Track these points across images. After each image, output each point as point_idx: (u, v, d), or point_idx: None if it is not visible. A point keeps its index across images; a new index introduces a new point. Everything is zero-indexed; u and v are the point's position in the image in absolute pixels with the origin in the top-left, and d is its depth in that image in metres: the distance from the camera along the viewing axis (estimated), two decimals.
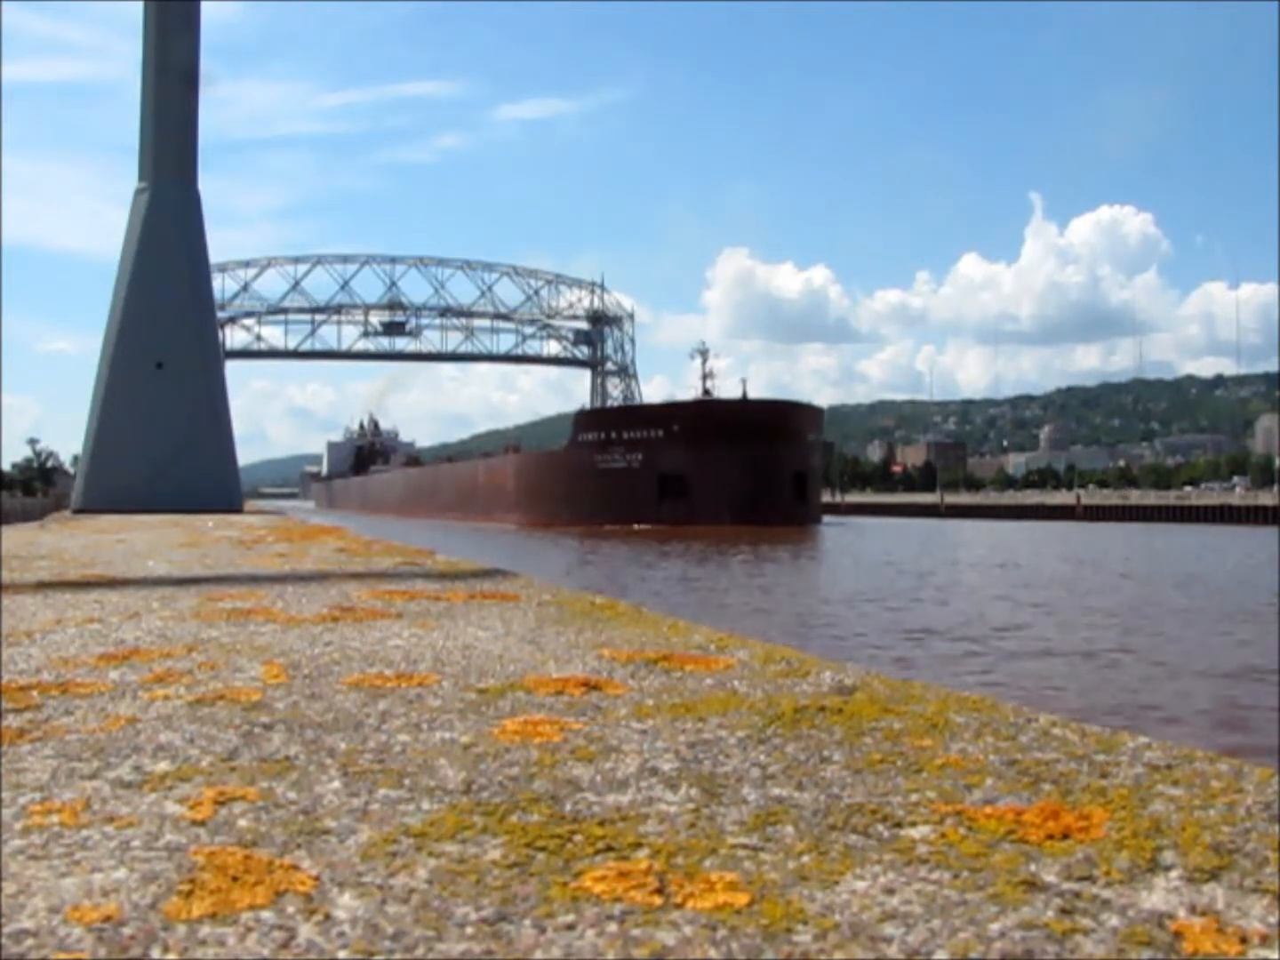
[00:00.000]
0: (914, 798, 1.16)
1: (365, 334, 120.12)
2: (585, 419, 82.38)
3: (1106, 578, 29.82)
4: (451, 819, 1.08)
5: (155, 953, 0.78)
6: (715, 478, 67.96)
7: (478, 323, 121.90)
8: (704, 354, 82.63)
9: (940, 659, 14.80)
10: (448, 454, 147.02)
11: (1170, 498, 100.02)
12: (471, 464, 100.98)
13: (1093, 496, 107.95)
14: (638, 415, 78.16)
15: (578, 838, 1.02)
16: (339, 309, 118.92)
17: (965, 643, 16.44)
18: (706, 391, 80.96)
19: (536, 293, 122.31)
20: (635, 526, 62.60)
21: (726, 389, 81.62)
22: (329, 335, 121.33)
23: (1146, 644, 16.63)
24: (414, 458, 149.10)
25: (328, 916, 0.84)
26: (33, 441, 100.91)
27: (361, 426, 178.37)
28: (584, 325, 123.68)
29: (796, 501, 71.62)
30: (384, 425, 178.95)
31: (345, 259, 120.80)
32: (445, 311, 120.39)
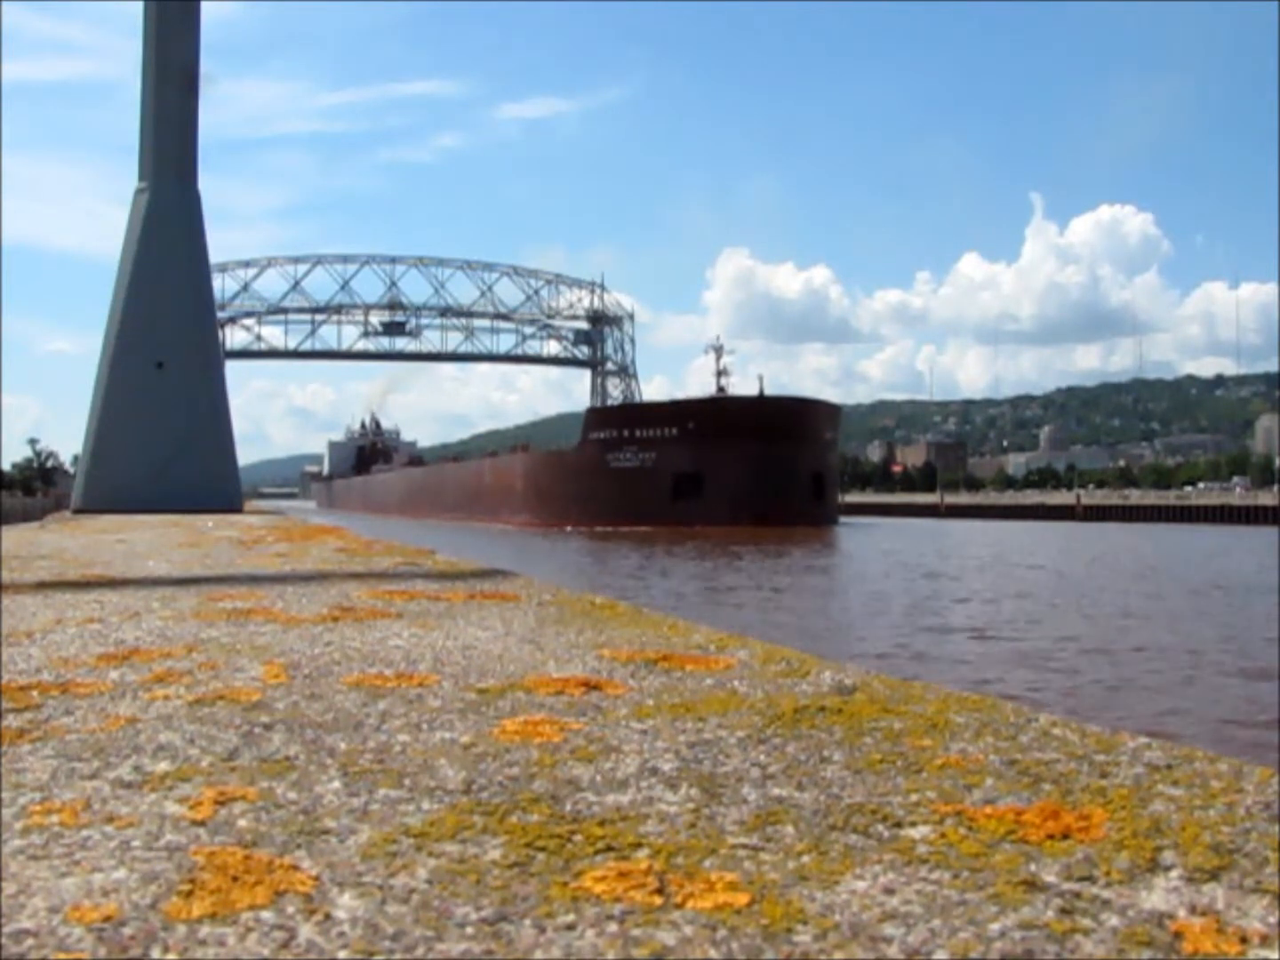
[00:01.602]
0: (914, 798, 1.16)
1: (365, 334, 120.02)
2: (596, 417, 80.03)
3: (1160, 584, 29.51)
4: (451, 819, 1.08)
5: (155, 953, 0.78)
6: (731, 477, 65.90)
7: (478, 323, 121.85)
8: (719, 350, 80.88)
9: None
10: (449, 454, 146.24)
11: (1170, 498, 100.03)
12: (477, 463, 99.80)
13: (1092, 496, 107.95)
14: (650, 413, 75.77)
15: (578, 838, 1.02)
16: (339, 309, 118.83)
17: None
18: (721, 389, 79.21)
19: (536, 293, 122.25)
20: (636, 529, 61.30)
21: (730, 388, 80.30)
22: (329, 335, 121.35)
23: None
24: (416, 458, 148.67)
25: (328, 916, 0.84)
26: (33, 441, 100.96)
27: (363, 426, 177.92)
28: (584, 325, 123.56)
29: (815, 501, 70.18)
30: (385, 425, 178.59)
31: (345, 259, 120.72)
32: (445, 311, 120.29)
